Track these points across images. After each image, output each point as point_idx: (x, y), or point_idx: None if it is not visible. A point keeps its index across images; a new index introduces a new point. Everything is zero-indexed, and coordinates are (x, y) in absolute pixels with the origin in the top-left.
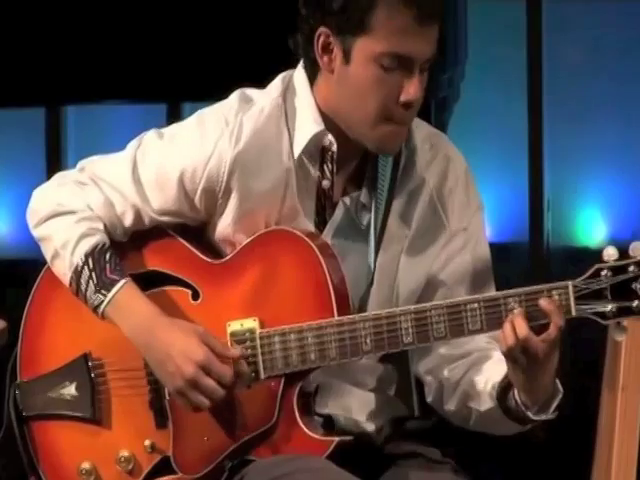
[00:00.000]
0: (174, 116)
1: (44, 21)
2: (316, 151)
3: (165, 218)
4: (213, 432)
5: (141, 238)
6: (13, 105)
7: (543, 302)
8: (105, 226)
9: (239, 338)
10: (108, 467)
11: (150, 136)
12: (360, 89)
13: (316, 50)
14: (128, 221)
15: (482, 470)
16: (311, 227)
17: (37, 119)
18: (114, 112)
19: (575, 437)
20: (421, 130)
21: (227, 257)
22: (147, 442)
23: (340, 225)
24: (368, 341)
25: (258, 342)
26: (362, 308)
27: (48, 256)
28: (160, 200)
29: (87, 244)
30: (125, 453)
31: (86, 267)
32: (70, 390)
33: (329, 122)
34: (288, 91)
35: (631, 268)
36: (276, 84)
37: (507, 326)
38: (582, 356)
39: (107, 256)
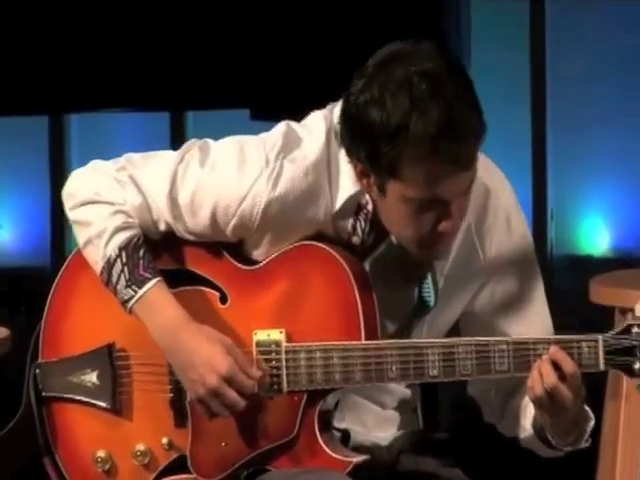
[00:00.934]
0: (177, 125)
1: (47, 29)
2: (352, 207)
3: (194, 238)
4: (232, 438)
5: (175, 236)
6: (16, 113)
7: (553, 350)
8: (139, 225)
9: (264, 349)
10: (124, 458)
11: (194, 155)
12: (396, 221)
13: (355, 172)
14: (161, 228)
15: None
16: None
17: (40, 127)
18: (117, 120)
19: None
20: None
21: (259, 265)
22: (165, 439)
23: (382, 257)
24: (394, 369)
25: (284, 356)
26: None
27: (81, 241)
28: (192, 223)
29: (122, 237)
30: (142, 447)
31: (119, 260)
32: (91, 378)
33: None
34: (331, 137)
35: None
36: (319, 124)
37: (535, 374)
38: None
39: (141, 252)
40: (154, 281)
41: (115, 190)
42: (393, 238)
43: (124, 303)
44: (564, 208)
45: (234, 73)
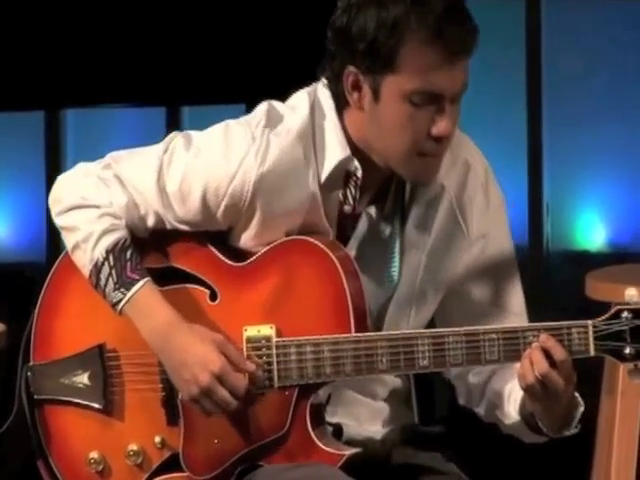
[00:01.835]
0: (173, 120)
1: (44, 25)
2: (340, 176)
3: (185, 227)
4: (224, 435)
5: (162, 234)
6: (12, 109)
7: (543, 337)
8: (127, 224)
9: (255, 345)
10: (117, 459)
11: (178, 143)
12: (391, 126)
13: (345, 88)
14: (150, 223)
15: (484, 472)
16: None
17: (36, 123)
18: (113, 116)
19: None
20: None
21: (247, 261)
22: (157, 438)
23: (363, 237)
24: (384, 360)
25: (274, 351)
26: (380, 316)
27: (69, 246)
28: (182, 210)
29: (109, 240)
30: (135, 447)
31: (106, 263)
32: (83, 379)
33: (355, 147)
34: (315, 109)
35: None
36: (302, 100)
37: (526, 362)
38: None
39: (128, 254)
40: (142, 282)
41: (101, 191)
42: (371, 209)
43: (114, 306)
44: (560, 203)
45: (230, 68)
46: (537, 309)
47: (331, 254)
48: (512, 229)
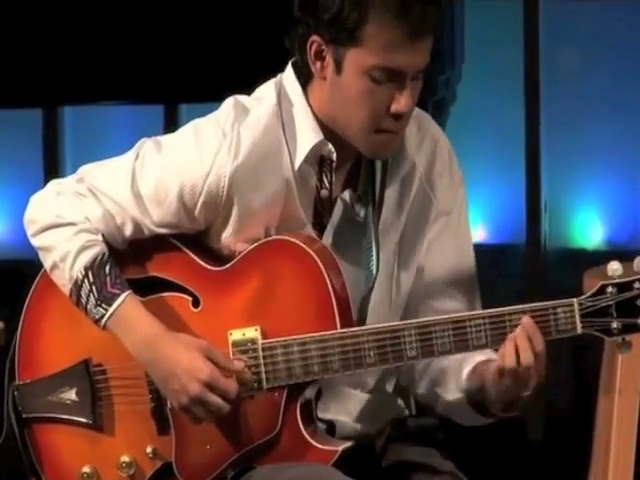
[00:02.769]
0: (171, 117)
1: (41, 22)
2: (315, 161)
3: (164, 230)
4: (216, 441)
5: (141, 244)
6: (10, 106)
7: (526, 322)
8: (104, 237)
9: (241, 348)
10: (109, 472)
11: (148, 148)
12: (351, 99)
13: (309, 56)
14: (128, 232)
15: (481, 471)
16: (311, 233)
17: (34, 120)
18: (111, 113)
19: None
20: None
21: (228, 265)
22: (149, 448)
23: (340, 222)
24: (372, 354)
25: (260, 353)
26: (363, 307)
27: (47, 266)
28: (159, 213)
29: (86, 257)
30: (126, 458)
31: (86, 280)
32: (70, 395)
33: (327, 129)
34: (282, 98)
35: (636, 285)
36: (269, 90)
37: (510, 346)
38: (579, 358)
39: (107, 269)
40: (123, 296)
41: (75, 207)
42: (344, 195)
43: (97, 322)
44: (558, 201)
45: (227, 65)
46: None
47: (311, 251)
48: (510, 227)
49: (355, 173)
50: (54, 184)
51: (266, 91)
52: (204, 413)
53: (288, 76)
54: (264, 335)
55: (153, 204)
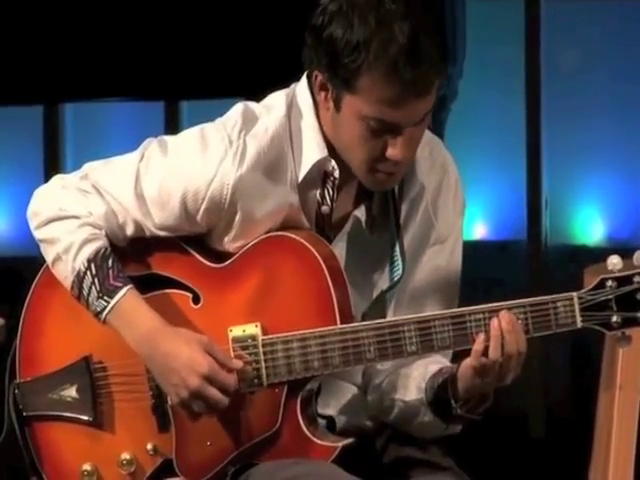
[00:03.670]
0: (172, 114)
1: (42, 19)
2: (318, 176)
3: (165, 232)
4: (216, 437)
5: (142, 241)
6: (11, 102)
7: (504, 316)
8: (106, 233)
9: (241, 344)
10: (110, 469)
11: (153, 149)
12: (349, 139)
13: (314, 85)
14: (129, 231)
15: (481, 467)
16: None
17: (35, 117)
18: (112, 110)
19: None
20: None
21: (228, 261)
22: (149, 445)
23: (349, 238)
24: (372, 349)
25: (261, 349)
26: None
27: (49, 259)
28: (161, 216)
29: (89, 249)
30: (127, 456)
31: (88, 273)
32: (71, 392)
33: (332, 147)
34: (292, 109)
35: (636, 279)
36: (279, 100)
37: (495, 340)
38: (580, 355)
39: (109, 262)
40: (125, 289)
41: (79, 201)
42: (357, 212)
43: (97, 315)
44: (559, 198)
45: (228, 62)
46: None
47: (311, 247)
48: (510, 223)
49: (368, 190)
50: (58, 179)
51: (276, 100)
52: (203, 408)
53: (301, 88)
54: (264, 331)
55: (155, 207)
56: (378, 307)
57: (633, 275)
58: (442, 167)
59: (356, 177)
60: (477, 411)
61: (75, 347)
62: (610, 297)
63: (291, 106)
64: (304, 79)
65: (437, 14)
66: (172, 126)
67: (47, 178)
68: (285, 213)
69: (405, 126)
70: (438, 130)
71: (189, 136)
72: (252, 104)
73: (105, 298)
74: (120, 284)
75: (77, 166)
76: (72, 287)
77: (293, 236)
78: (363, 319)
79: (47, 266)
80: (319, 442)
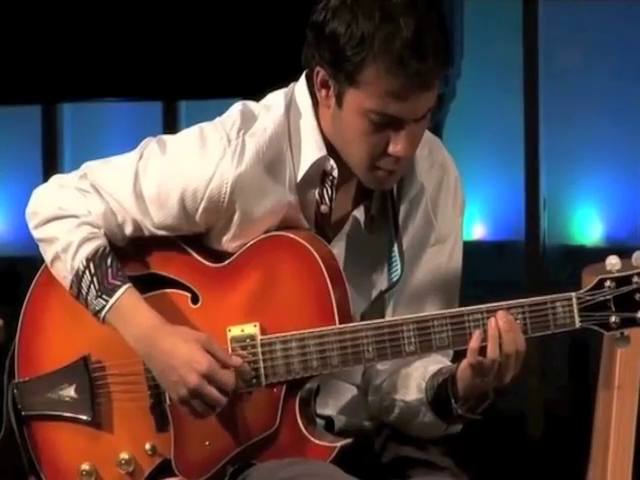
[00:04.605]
0: (170, 114)
1: (40, 19)
2: (317, 175)
3: (164, 232)
4: (215, 437)
5: (141, 241)
6: (9, 103)
7: (502, 316)
8: (105, 232)
9: (240, 344)
10: (108, 469)
11: (152, 149)
12: (350, 135)
13: (315, 83)
14: (128, 231)
15: (480, 467)
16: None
17: (33, 117)
18: (110, 110)
19: (572, 435)
20: None
21: (227, 261)
22: (148, 445)
23: (348, 238)
24: (370, 349)
25: (259, 349)
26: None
27: (48, 258)
28: (160, 216)
29: (88, 248)
30: (125, 455)
31: (87, 272)
32: (69, 392)
33: (331, 146)
34: (291, 109)
35: (635, 279)
36: (278, 100)
37: (493, 341)
38: (578, 355)
39: (109, 261)
40: (124, 288)
41: (78, 201)
42: (356, 212)
43: (96, 314)
44: (557, 198)
45: (226, 62)
46: None
47: (310, 247)
48: (509, 223)
49: (368, 191)
50: (57, 178)
51: (275, 100)
52: (201, 406)
53: (300, 87)
54: (263, 331)
55: (154, 206)
56: (377, 307)
57: (632, 275)
58: (442, 166)
59: (355, 177)
60: (477, 410)
61: (74, 347)
62: (609, 297)
63: (290, 105)
64: (303, 79)
65: (438, 10)
66: (170, 126)
67: (46, 178)
68: (284, 212)
69: (408, 120)
70: (436, 130)
71: (188, 135)
72: (251, 103)
73: (104, 297)
74: (119, 283)
75: (76, 166)
76: (71, 286)
77: (292, 236)
78: (362, 319)
79: (46, 266)
80: (317, 442)
